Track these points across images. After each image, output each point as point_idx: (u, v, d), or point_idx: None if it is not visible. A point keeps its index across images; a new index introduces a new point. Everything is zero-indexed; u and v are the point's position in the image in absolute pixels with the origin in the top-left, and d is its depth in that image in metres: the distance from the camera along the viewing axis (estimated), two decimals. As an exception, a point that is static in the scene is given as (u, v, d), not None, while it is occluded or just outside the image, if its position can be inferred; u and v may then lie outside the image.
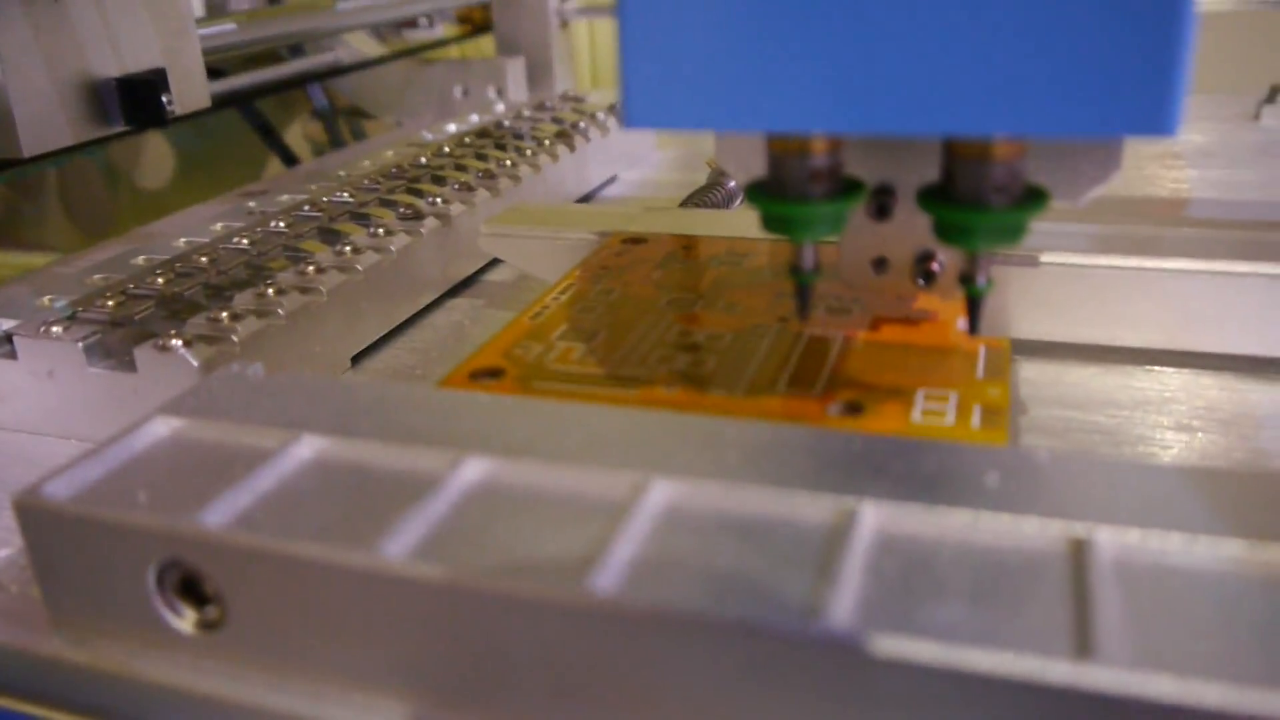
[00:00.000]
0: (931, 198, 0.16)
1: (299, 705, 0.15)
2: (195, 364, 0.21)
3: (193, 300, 0.24)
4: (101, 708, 0.16)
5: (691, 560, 0.13)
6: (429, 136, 0.39)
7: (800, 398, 0.17)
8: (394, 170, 0.33)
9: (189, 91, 0.32)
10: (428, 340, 0.27)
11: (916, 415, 0.17)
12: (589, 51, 0.64)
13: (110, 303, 0.23)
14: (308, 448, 0.16)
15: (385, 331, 0.27)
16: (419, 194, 0.30)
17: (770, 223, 0.16)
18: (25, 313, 0.23)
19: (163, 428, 0.17)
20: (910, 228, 0.20)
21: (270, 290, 0.23)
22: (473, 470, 0.15)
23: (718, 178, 0.33)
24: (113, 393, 0.22)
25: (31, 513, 0.15)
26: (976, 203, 0.16)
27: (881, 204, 0.20)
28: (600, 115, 0.41)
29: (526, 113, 0.42)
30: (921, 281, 0.20)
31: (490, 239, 0.27)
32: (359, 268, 0.25)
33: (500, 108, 0.45)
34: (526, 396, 0.18)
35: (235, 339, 0.21)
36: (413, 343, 0.27)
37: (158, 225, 0.36)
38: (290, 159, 0.54)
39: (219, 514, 0.15)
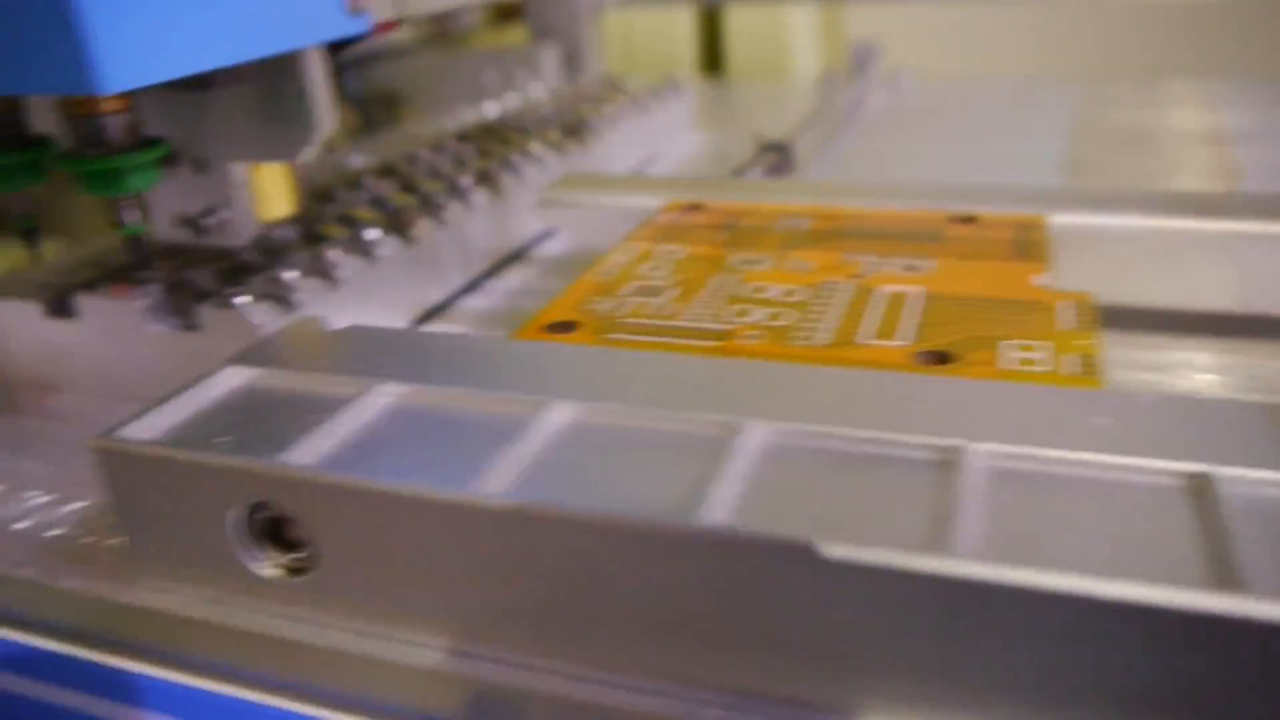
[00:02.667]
0: (65, 157, 0.18)
1: (389, 651, 0.14)
2: (260, 322, 0.20)
3: (248, 262, 0.24)
4: (184, 656, 0.16)
5: (797, 496, 0.13)
6: (471, 117, 0.39)
7: (883, 348, 0.17)
8: (442, 145, 0.33)
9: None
10: (479, 309, 0.26)
11: (1007, 364, 0.16)
12: (621, 40, 0.64)
13: (167, 264, 0.23)
14: (387, 394, 0.16)
15: (441, 299, 0.26)
16: (465, 167, 0.30)
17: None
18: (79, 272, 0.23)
19: (234, 377, 0.17)
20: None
21: (329, 253, 0.23)
22: (560, 414, 0.15)
23: (763, 150, 0.33)
24: (174, 352, 0.21)
25: (112, 456, 0.15)
26: (80, 153, 0.18)
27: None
28: (640, 97, 0.41)
29: (549, 99, 0.42)
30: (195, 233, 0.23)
31: (546, 207, 0.27)
32: (416, 235, 0.25)
33: (539, 92, 0.45)
34: (604, 346, 0.17)
35: (297, 298, 0.21)
36: (466, 312, 0.26)
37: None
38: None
39: (307, 455, 0.14)
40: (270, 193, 0.22)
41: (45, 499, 0.19)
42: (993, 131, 0.42)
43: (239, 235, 0.22)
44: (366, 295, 0.23)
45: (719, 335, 0.18)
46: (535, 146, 0.32)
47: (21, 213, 0.18)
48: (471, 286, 0.28)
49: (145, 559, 0.16)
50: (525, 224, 0.30)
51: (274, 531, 0.15)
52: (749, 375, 0.16)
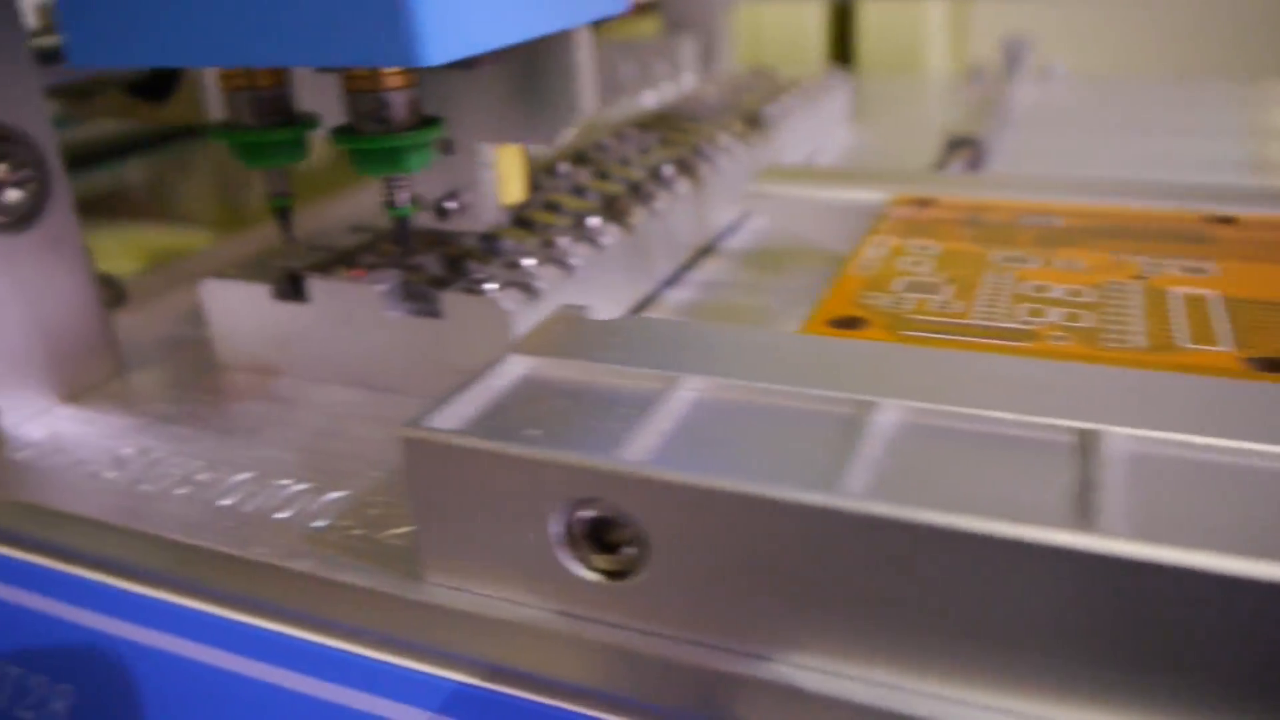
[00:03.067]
0: (339, 133, 0.18)
1: (720, 661, 0.13)
2: (510, 310, 0.20)
3: (470, 250, 0.23)
4: (473, 658, 0.15)
5: (1188, 510, 0.12)
6: (629, 107, 0.38)
7: (1211, 353, 0.16)
8: (624, 133, 0.32)
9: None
10: (681, 300, 0.26)
11: (1349, 373, 0.15)
12: (749, 31, 0.63)
13: (396, 249, 0.22)
14: (693, 388, 0.15)
15: (650, 289, 0.26)
16: (651, 155, 0.29)
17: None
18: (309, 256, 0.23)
19: (518, 367, 0.16)
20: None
21: (558, 241, 0.22)
22: (889, 414, 0.14)
23: (953, 145, 0.32)
24: (411, 340, 0.21)
25: (422, 446, 0.14)
26: (358, 131, 0.17)
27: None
28: (809, 89, 0.40)
29: (712, 89, 0.41)
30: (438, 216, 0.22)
31: (754, 198, 0.26)
32: (633, 224, 0.24)
33: (687, 84, 0.44)
34: (911, 345, 0.16)
35: (540, 285, 0.20)
36: (668, 303, 0.26)
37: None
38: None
39: (640, 452, 0.13)
40: (508, 176, 0.22)
41: (300, 487, 0.18)
42: (1160, 129, 0.40)
43: (480, 219, 0.21)
44: (593, 283, 0.22)
45: (1023, 335, 0.17)
46: (723, 137, 0.31)
47: (279, 191, 0.18)
48: (671, 278, 0.27)
49: (438, 555, 0.15)
50: (720, 214, 0.29)
51: (592, 532, 0.14)
52: (1087, 378, 0.15)
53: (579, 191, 0.26)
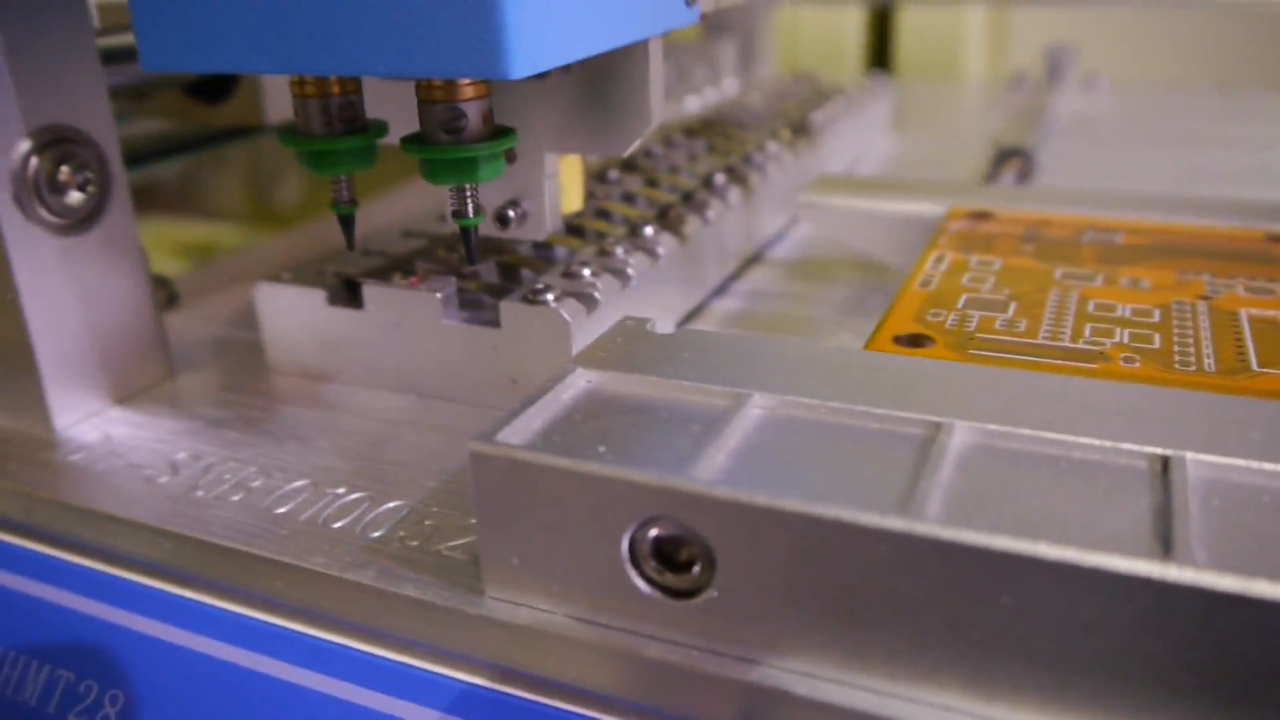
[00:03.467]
0: (410, 142, 0.17)
1: (787, 682, 0.13)
2: (569, 320, 0.20)
3: (525, 258, 0.23)
4: (534, 675, 0.15)
5: (1273, 540, 0.12)
6: (672, 111, 0.38)
7: (1284, 378, 0.16)
8: (671, 139, 0.32)
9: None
10: (737, 309, 0.26)
11: None
12: (787, 35, 0.63)
13: (453, 255, 0.22)
14: (761, 405, 0.15)
15: (701, 298, 0.25)
16: (699, 163, 0.29)
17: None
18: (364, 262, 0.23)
19: (582, 380, 0.16)
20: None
21: (614, 250, 0.22)
22: (963, 436, 0.14)
23: (1003, 155, 0.32)
24: (467, 348, 0.21)
25: (492, 461, 0.14)
26: (430, 140, 0.17)
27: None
28: (854, 95, 0.39)
29: (756, 94, 0.41)
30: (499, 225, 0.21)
31: (809, 209, 0.26)
32: (686, 232, 0.24)
33: (729, 88, 0.44)
34: (980, 365, 0.16)
35: (598, 295, 0.20)
36: (726, 310, 0.25)
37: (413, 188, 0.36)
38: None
39: (710, 471, 0.13)
40: (569, 185, 0.22)
41: (355, 496, 0.18)
42: (1206, 142, 0.40)
43: (541, 228, 0.21)
44: (648, 293, 0.22)
45: (1092, 357, 0.17)
46: (772, 145, 0.31)
47: (344, 199, 0.18)
48: (720, 287, 0.27)
49: (501, 570, 0.15)
50: (768, 223, 0.29)
51: (658, 551, 0.14)
52: (1162, 402, 0.14)
53: (629, 199, 0.26)
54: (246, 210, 0.58)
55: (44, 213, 0.20)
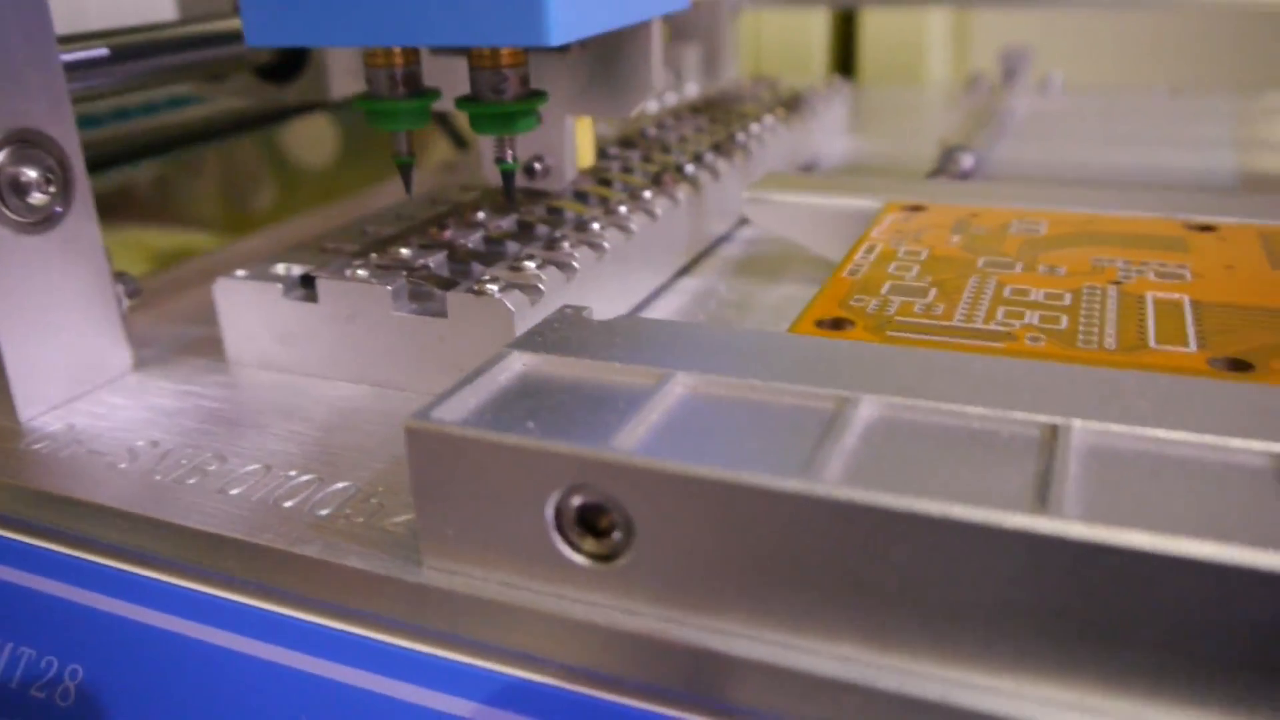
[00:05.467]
0: (463, 101, 0.21)
1: (700, 639, 0.14)
2: (513, 310, 0.20)
3: (477, 252, 0.24)
4: (469, 639, 0.16)
5: (1142, 498, 0.13)
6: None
7: (1177, 354, 0.17)
8: (625, 139, 0.33)
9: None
10: (683, 304, 0.26)
11: (1310, 374, 0.16)
12: (751, 40, 0.64)
13: (403, 251, 0.23)
14: (683, 384, 0.16)
15: (651, 291, 0.26)
16: (654, 162, 0.30)
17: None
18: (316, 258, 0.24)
19: (518, 363, 0.17)
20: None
21: (565, 244, 0.23)
22: (871, 408, 0.15)
23: (952, 152, 0.33)
24: (416, 338, 0.22)
25: (428, 437, 0.15)
26: (480, 99, 0.21)
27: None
28: (808, 98, 0.40)
29: (720, 95, 0.42)
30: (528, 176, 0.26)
31: (753, 205, 0.27)
32: (632, 228, 0.25)
33: (690, 90, 0.45)
34: (892, 345, 0.17)
35: (542, 287, 0.21)
36: (671, 306, 0.26)
37: (384, 189, 0.36)
38: (461, 141, 0.55)
39: (629, 441, 0.14)
40: (582, 145, 0.26)
41: (305, 478, 0.19)
42: (1153, 140, 0.41)
43: (562, 179, 0.26)
44: (594, 286, 0.23)
45: (1000, 337, 0.18)
46: (721, 148, 0.32)
47: (404, 152, 0.22)
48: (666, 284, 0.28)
49: (437, 541, 0.16)
50: (717, 223, 0.30)
51: (581, 518, 0.15)
52: (1056, 376, 0.15)
53: (581, 197, 0.27)
54: (223, 217, 0.58)
55: (7, 213, 0.20)
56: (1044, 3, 0.55)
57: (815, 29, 0.64)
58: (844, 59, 0.65)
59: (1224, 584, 0.12)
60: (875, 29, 0.63)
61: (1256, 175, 0.36)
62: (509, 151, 0.22)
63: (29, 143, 0.21)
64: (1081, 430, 0.14)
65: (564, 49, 0.24)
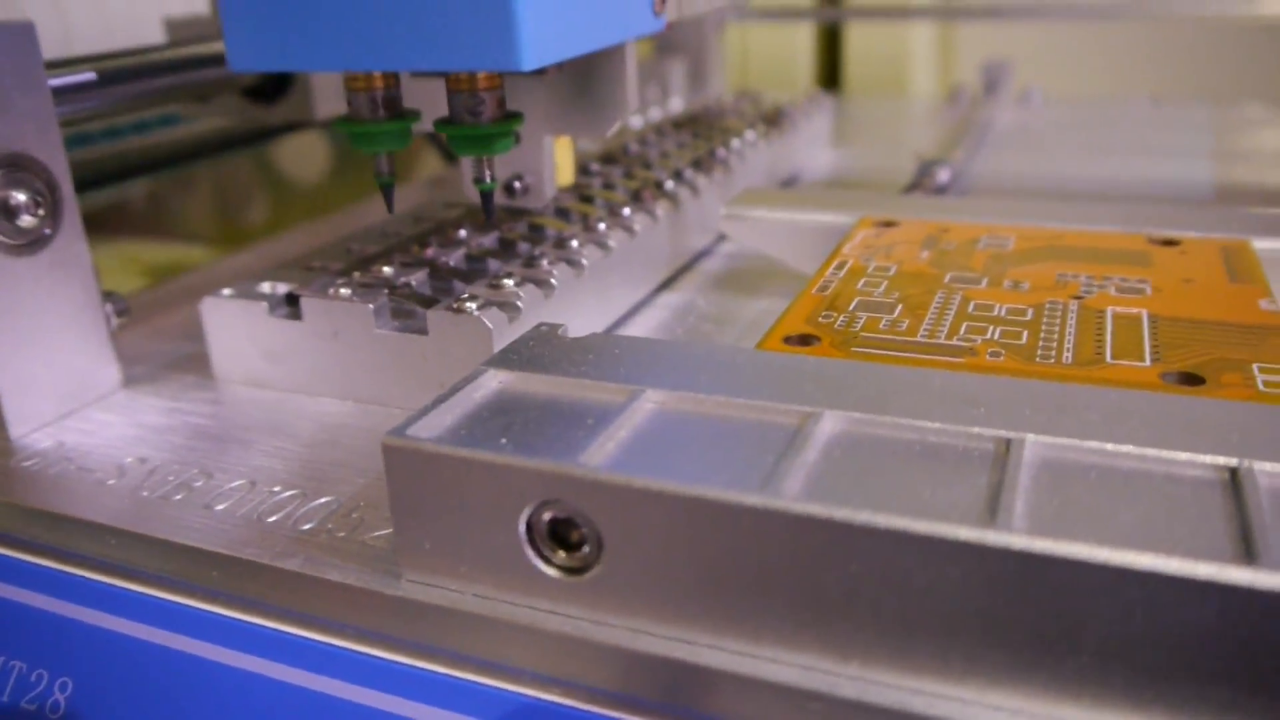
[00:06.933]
0: (441, 123, 0.22)
1: (667, 649, 0.15)
2: (491, 328, 0.21)
3: (458, 269, 0.24)
4: (446, 650, 0.16)
5: (1088, 510, 0.13)
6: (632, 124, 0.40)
7: (1131, 369, 0.17)
8: (607, 156, 0.33)
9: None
10: (663, 319, 0.27)
11: (1260, 387, 0.17)
12: (737, 54, 0.65)
13: (386, 269, 0.24)
14: (653, 400, 0.16)
15: (630, 307, 0.27)
16: (635, 178, 0.30)
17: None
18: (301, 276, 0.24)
19: (494, 380, 0.17)
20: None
21: (543, 262, 0.23)
22: (833, 423, 0.15)
23: (928, 167, 0.33)
24: (398, 355, 0.22)
25: (404, 454, 0.16)
26: (457, 121, 0.21)
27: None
28: (789, 112, 0.41)
29: (703, 110, 0.42)
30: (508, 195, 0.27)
31: (730, 221, 0.27)
32: (611, 244, 0.25)
33: (675, 105, 0.45)
34: (856, 361, 0.18)
35: (520, 305, 0.22)
36: (651, 321, 0.27)
37: (367, 207, 0.37)
38: (451, 157, 0.55)
39: (597, 457, 0.15)
40: (562, 164, 0.26)
41: (289, 493, 0.20)
42: (1132, 151, 0.42)
43: (541, 197, 0.26)
44: (572, 303, 0.24)
45: (961, 352, 0.18)
46: (689, 172, 0.32)
47: (385, 172, 0.22)
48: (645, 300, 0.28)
49: (414, 555, 0.16)
50: (696, 238, 0.31)
51: (553, 532, 0.15)
52: (1013, 391, 0.16)
53: (562, 214, 0.28)
54: (217, 232, 0.59)
55: (-2, 235, 0.21)
56: (1026, 16, 0.56)
57: (801, 42, 0.65)
58: (830, 72, 0.66)
59: (1162, 594, 0.12)
60: (860, 42, 0.64)
61: (1231, 186, 0.37)
62: (487, 171, 0.22)
63: (18, 166, 0.21)
64: (1034, 444, 0.15)
65: (541, 72, 0.24)
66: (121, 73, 0.26)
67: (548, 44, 0.18)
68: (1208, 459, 0.14)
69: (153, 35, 0.35)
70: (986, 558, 0.13)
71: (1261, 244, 0.23)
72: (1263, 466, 0.14)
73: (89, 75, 0.25)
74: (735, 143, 0.35)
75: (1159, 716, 0.13)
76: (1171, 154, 0.41)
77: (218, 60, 0.29)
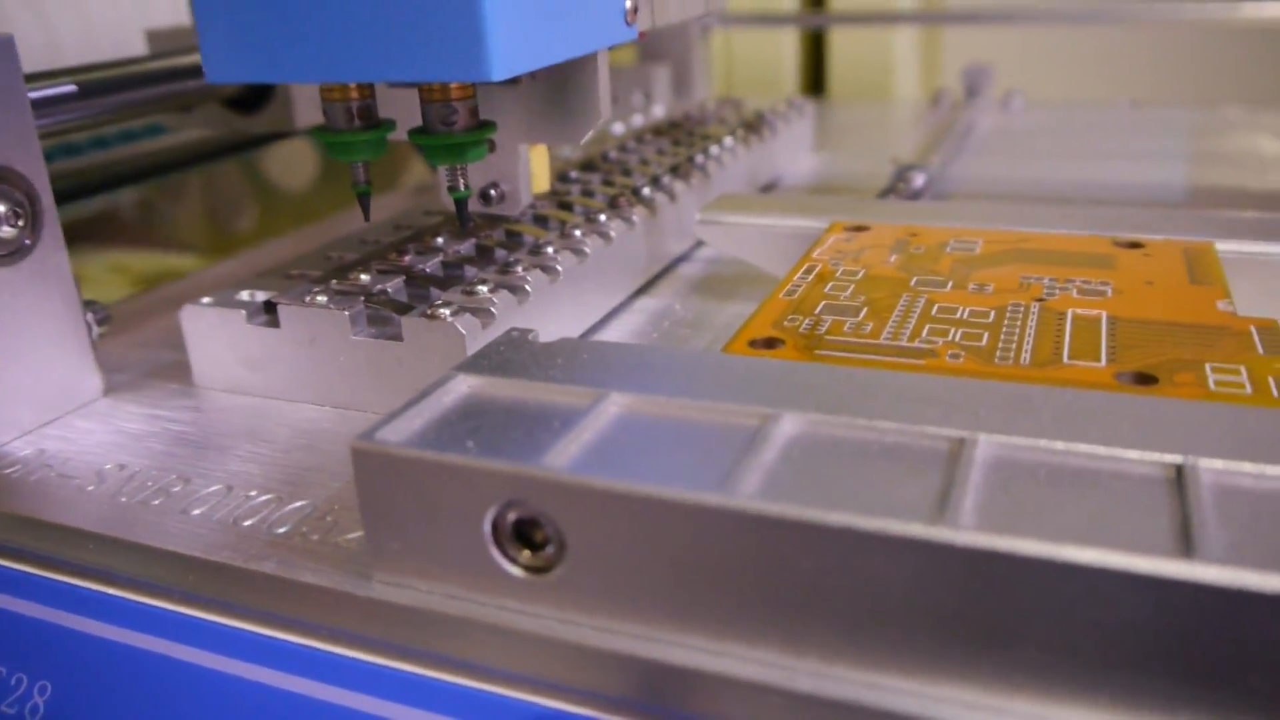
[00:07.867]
0: (415, 133, 0.23)
1: (631, 646, 0.15)
2: (464, 333, 0.21)
3: (434, 276, 0.25)
4: (417, 649, 0.17)
5: (1036, 507, 0.13)
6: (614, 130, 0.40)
7: (1087, 369, 0.18)
8: (587, 163, 0.33)
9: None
10: (639, 324, 0.27)
11: (1211, 387, 0.17)
12: (722, 59, 0.65)
13: (363, 276, 0.24)
14: (617, 403, 0.17)
15: (606, 312, 0.27)
16: (614, 185, 0.30)
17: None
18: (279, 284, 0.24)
19: (464, 385, 0.18)
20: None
21: (518, 268, 0.24)
22: (792, 424, 0.16)
23: (904, 171, 0.33)
24: (374, 361, 0.22)
25: (372, 457, 0.16)
26: (431, 131, 0.22)
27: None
28: (769, 118, 0.41)
29: (684, 117, 0.43)
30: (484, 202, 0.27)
31: (705, 227, 0.28)
32: (586, 250, 0.26)
33: (658, 112, 0.45)
34: (818, 363, 0.18)
35: (494, 311, 0.22)
36: (627, 326, 0.27)
37: (347, 216, 0.37)
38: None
39: (559, 459, 0.15)
40: (538, 171, 0.27)
41: (265, 498, 0.20)
42: (1110, 155, 0.42)
43: (517, 204, 0.27)
44: (546, 309, 0.24)
45: (922, 354, 0.19)
46: (678, 163, 0.32)
47: (361, 181, 0.23)
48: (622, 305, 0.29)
49: (385, 556, 0.17)
50: (673, 244, 0.31)
51: (518, 532, 0.16)
52: (969, 392, 0.16)
53: (540, 220, 0.28)
54: (204, 240, 0.59)
55: (-22, 245, 0.21)
56: (1009, 20, 0.57)
57: (786, 47, 0.65)
58: (815, 77, 0.66)
59: (1103, 588, 0.12)
60: (845, 47, 0.64)
61: (1206, 189, 0.37)
62: (461, 180, 0.23)
63: (-2, 178, 0.22)
64: (986, 443, 0.15)
65: (514, 81, 0.25)
66: (102, 84, 0.27)
67: (518, 54, 0.18)
68: (1155, 456, 0.14)
69: (137, 44, 0.35)
70: (935, 554, 0.13)
71: (1224, 246, 0.23)
72: (1208, 463, 0.14)
73: (69, 87, 0.25)
74: (715, 149, 0.35)
75: (1103, 707, 0.13)
76: (1148, 157, 0.42)
77: (197, 72, 0.29)
